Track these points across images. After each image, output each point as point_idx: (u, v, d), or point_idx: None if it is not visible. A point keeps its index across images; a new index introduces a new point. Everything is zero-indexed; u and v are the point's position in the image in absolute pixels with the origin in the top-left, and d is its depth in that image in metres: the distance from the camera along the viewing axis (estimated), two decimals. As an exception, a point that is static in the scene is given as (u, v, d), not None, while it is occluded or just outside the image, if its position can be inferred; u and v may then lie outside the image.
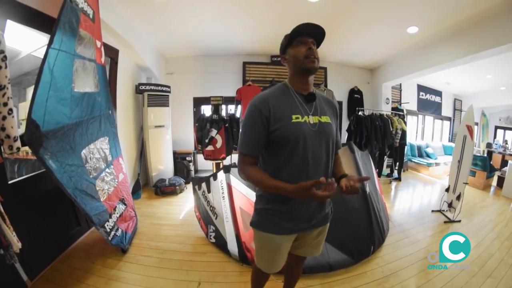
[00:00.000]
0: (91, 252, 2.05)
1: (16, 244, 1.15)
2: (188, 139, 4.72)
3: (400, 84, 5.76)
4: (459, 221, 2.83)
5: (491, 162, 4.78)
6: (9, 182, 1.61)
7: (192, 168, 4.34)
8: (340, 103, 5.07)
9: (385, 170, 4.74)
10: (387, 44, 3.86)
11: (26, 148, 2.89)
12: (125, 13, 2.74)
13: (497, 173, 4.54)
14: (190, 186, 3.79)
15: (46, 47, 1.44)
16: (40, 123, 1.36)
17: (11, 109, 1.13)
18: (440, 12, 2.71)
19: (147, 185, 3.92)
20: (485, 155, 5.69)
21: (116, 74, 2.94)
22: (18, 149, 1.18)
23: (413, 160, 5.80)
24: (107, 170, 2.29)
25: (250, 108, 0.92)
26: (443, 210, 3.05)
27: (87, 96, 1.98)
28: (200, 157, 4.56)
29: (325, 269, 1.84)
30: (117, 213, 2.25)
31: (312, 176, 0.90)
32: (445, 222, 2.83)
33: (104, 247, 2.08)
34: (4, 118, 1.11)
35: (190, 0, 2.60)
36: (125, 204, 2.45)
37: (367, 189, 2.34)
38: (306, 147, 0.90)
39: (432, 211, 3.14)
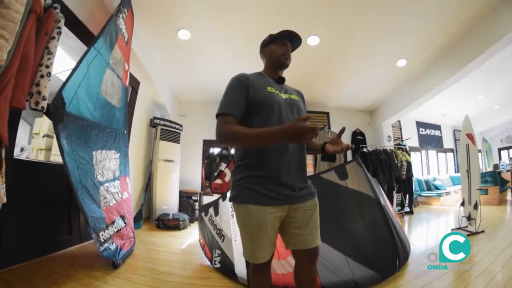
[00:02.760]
0: (77, 262, 1.80)
1: (2, 196, 1.06)
2: (195, 180, 4.68)
3: (399, 122, 6.01)
4: (483, 231, 2.74)
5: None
6: (14, 157, 1.60)
7: (197, 207, 4.16)
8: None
9: (395, 208, 4.44)
10: (381, 82, 4.27)
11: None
12: (151, 47, 3.15)
13: (509, 186, 4.55)
14: (193, 225, 3.54)
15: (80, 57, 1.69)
16: (67, 102, 1.48)
17: (49, 73, 1.28)
18: (421, 41, 3.13)
19: (149, 219, 3.68)
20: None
21: (135, 103, 3.23)
22: (43, 108, 1.26)
23: (422, 194, 5.65)
24: (113, 182, 2.26)
25: (231, 81, 1.01)
26: (464, 227, 2.91)
27: (109, 106, 2.18)
28: (206, 198, 4.43)
29: (351, 287, 1.59)
30: (115, 228, 2.08)
31: (289, 144, 0.94)
32: (468, 235, 2.59)
33: (93, 260, 1.84)
34: (42, 76, 1.24)
35: (207, 40, 3.07)
36: (125, 223, 2.28)
37: (382, 201, 2.18)
38: (280, 112, 0.98)
39: (452, 229, 2.98)
